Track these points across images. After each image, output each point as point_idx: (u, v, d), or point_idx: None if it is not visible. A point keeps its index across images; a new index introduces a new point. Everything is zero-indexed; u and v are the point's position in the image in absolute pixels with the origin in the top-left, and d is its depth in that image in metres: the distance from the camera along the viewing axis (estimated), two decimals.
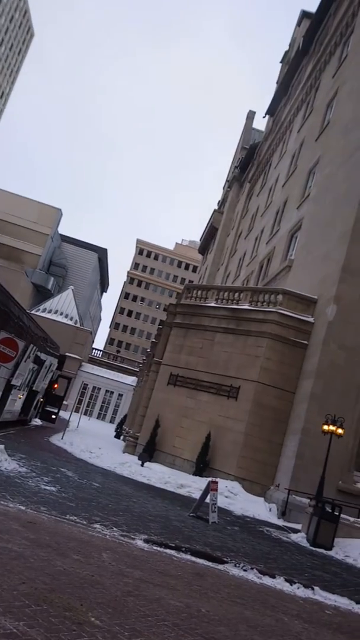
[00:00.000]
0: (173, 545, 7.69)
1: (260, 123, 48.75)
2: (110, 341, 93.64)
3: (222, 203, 55.28)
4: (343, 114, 20.61)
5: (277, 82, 41.68)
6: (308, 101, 28.33)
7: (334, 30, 25.02)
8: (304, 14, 35.45)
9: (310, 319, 17.42)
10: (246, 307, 18.73)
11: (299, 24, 37.05)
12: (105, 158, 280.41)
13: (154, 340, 27.51)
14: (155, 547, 7.41)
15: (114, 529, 7.64)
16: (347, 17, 23.58)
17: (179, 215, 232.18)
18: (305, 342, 17.30)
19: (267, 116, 40.29)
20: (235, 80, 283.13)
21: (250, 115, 50.83)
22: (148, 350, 33.75)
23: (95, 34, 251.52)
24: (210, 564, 7.49)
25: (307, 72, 29.00)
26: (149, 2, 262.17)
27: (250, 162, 43.49)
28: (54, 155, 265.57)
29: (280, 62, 42.38)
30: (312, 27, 28.88)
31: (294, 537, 12.03)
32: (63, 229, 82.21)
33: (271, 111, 38.37)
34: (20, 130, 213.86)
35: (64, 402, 32.02)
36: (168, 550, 7.46)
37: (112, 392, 50.46)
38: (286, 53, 40.82)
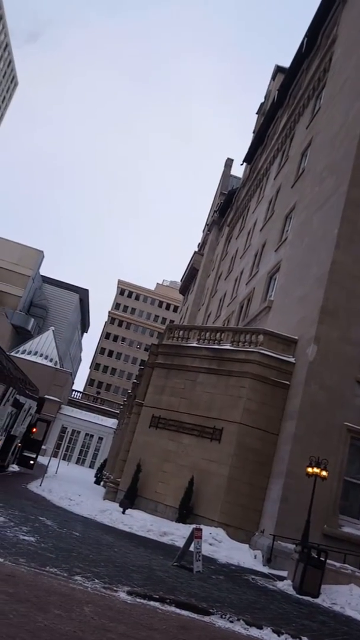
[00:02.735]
0: (157, 596, 7.44)
1: (238, 170, 50.50)
2: (90, 382, 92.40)
3: (202, 245, 56.37)
4: (317, 163, 21.50)
5: (253, 132, 43.47)
6: (284, 150, 29.54)
7: (306, 85, 26.43)
8: (278, 69, 37.47)
9: (292, 359, 17.56)
10: (228, 347, 18.82)
11: (273, 77, 39.06)
12: (86, 200, 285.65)
13: (135, 381, 27.30)
14: (138, 599, 7.16)
15: (96, 580, 7.38)
16: (319, 73, 24.99)
17: (160, 257, 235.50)
18: (287, 382, 17.36)
19: (245, 164, 41.79)
20: (214, 129, 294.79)
21: (229, 163, 52.72)
22: (129, 391, 33.41)
23: (78, 83, 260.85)
24: (195, 615, 7.24)
25: (282, 123, 30.37)
26: (134, 51, 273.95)
27: (228, 206, 44.74)
28: (36, 198, 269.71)
29: (257, 112, 44.35)
30: (286, 81, 30.46)
31: (280, 585, 11.72)
32: (45, 270, 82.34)
33: (248, 159, 39.80)
34: (3, 174, 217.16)
35: (43, 447, 31.22)
36: (152, 602, 7.21)
37: (92, 436, 49.41)
38: (262, 105, 42.80)
